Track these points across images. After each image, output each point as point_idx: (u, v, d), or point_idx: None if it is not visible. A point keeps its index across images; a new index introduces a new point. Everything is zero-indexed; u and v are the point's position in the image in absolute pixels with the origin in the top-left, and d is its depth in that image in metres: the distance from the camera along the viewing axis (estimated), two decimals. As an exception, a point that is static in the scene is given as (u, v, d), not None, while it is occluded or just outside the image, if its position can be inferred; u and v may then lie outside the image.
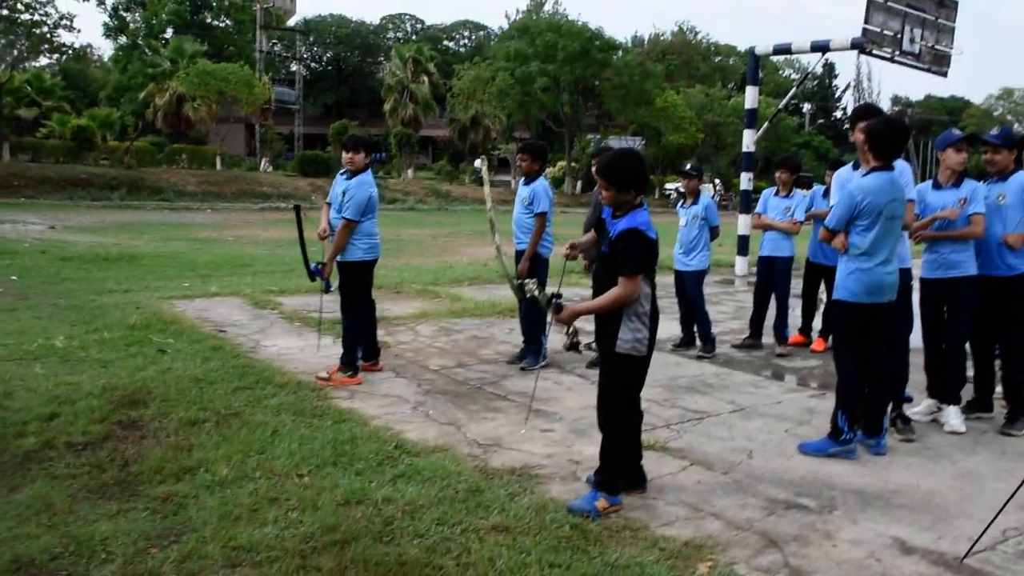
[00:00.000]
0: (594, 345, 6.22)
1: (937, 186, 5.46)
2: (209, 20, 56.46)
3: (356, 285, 6.35)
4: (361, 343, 6.37)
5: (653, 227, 3.94)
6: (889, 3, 12.82)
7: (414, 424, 5.27)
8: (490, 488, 4.15)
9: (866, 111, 5.39)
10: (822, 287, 7.67)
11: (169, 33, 52.76)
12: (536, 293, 4.23)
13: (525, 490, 4.16)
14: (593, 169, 6.86)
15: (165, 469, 4.33)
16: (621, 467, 4.03)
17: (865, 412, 4.96)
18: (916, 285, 5.48)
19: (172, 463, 4.41)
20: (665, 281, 10.72)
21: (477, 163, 46.08)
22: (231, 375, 6.16)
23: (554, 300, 4.07)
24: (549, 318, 4.15)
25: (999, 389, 5.77)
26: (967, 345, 5.61)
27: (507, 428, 5.24)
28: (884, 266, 4.75)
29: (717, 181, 49.99)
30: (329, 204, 6.48)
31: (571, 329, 4.18)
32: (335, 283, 6.40)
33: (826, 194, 7.44)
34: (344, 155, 6.29)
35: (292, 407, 5.46)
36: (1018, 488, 2.57)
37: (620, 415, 4.05)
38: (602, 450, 4.07)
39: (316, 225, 6.59)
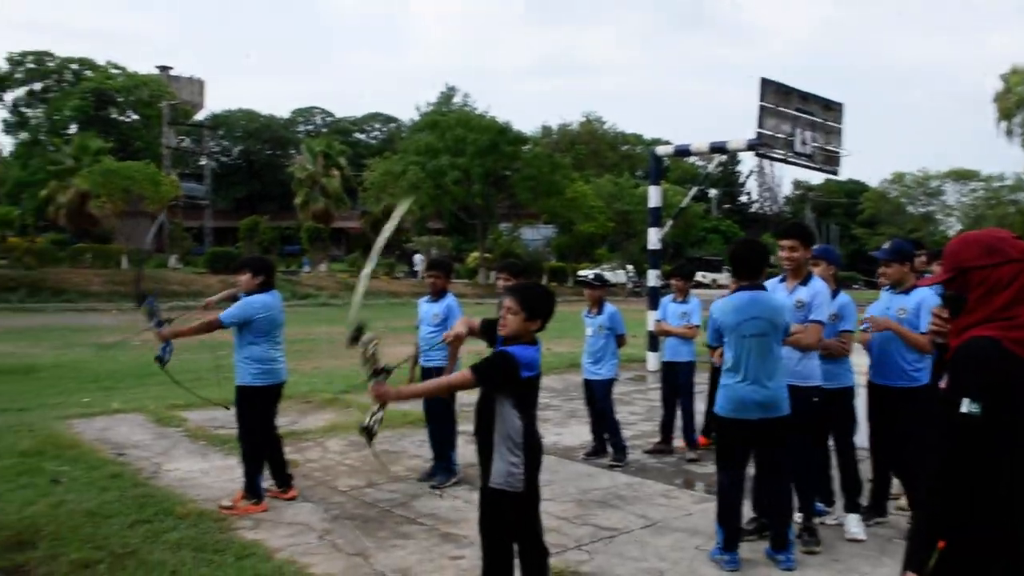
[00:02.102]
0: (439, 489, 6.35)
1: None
2: (114, 115, 55.81)
3: (245, 411, 6.17)
4: (261, 471, 6.16)
5: (534, 366, 3.86)
6: (779, 108, 13.53)
7: (320, 556, 5.12)
8: (398, 630, 4.05)
9: (789, 231, 5.49)
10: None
11: (73, 129, 51.89)
12: (376, 416, 3.93)
13: (434, 630, 4.08)
14: (500, 282, 6.93)
15: (52, 624, 4.10)
16: None
17: (771, 526, 5.06)
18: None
19: (61, 616, 4.17)
20: (575, 381, 10.86)
21: (416, 259, 45.98)
22: (129, 507, 5.89)
23: (383, 371, 3.82)
24: (369, 383, 3.83)
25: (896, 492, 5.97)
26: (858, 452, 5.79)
27: (416, 556, 5.14)
28: (746, 383, 4.90)
29: (630, 267, 51.13)
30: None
31: (379, 414, 3.92)
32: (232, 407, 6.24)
33: None
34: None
35: (193, 542, 5.24)
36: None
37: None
38: None
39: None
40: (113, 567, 4.82)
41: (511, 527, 3.96)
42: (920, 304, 5.41)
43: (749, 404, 4.92)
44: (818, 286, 5.32)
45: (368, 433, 3.91)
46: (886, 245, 5.77)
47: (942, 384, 2.56)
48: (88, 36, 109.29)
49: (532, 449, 3.90)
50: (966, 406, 2.39)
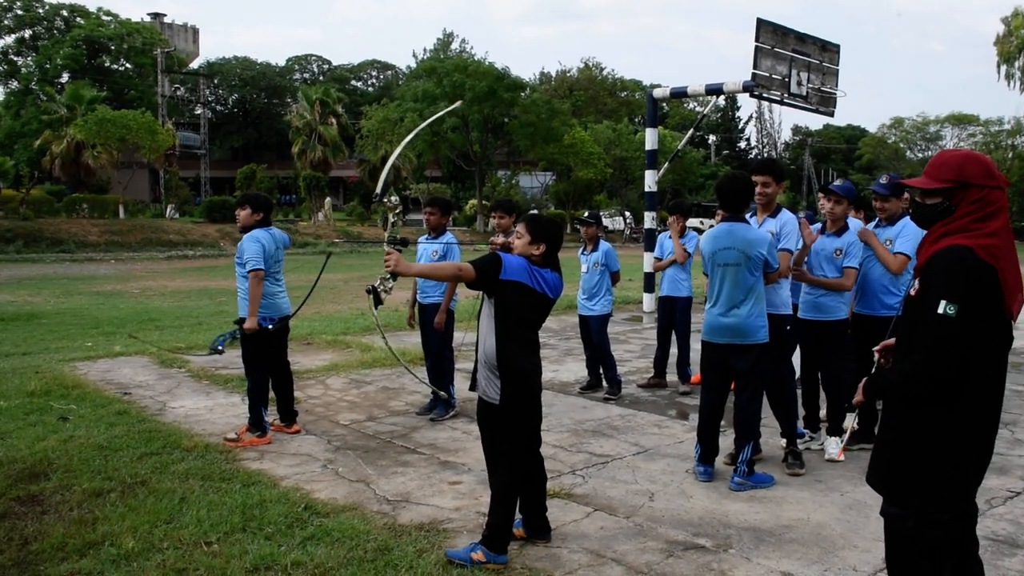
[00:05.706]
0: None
1: (823, 231, 5.81)
2: (108, 64, 55.25)
3: (246, 345, 6.32)
4: (264, 404, 6.31)
5: (516, 273, 4.01)
6: (776, 49, 13.43)
7: (324, 483, 5.30)
8: (399, 546, 4.23)
9: (762, 167, 5.71)
10: None
11: (65, 78, 51.43)
12: (387, 283, 4.13)
13: (433, 546, 4.25)
14: (495, 220, 7.06)
15: (68, 545, 4.26)
16: (502, 523, 4.09)
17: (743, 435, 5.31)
18: None
19: (75, 538, 4.33)
20: (572, 321, 11.03)
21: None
22: (137, 441, 6.08)
23: (402, 241, 4.08)
24: (387, 248, 4.03)
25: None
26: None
27: (416, 482, 5.33)
28: (715, 308, 5.19)
29: (628, 214, 51.09)
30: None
31: (390, 282, 4.11)
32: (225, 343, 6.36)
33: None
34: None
35: (200, 472, 5.43)
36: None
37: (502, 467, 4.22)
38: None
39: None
40: (125, 495, 5.00)
41: (491, 430, 4.22)
42: (903, 227, 5.62)
43: (719, 329, 5.18)
44: (786, 217, 5.58)
45: (375, 296, 4.13)
46: (883, 180, 5.84)
47: (912, 291, 2.71)
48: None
49: (510, 371, 4.08)
50: (942, 307, 2.56)
